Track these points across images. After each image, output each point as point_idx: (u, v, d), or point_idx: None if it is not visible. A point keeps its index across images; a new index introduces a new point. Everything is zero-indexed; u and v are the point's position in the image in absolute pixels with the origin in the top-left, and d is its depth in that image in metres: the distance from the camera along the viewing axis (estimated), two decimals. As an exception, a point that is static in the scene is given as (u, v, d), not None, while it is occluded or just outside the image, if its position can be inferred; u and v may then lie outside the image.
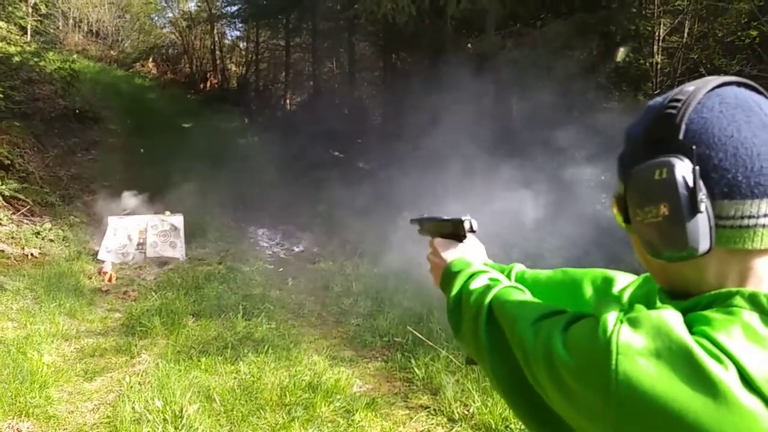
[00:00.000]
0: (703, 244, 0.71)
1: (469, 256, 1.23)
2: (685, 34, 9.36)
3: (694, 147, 0.72)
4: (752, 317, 0.68)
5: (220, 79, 23.62)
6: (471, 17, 9.86)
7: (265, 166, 13.27)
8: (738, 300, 0.70)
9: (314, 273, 7.27)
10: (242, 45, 24.99)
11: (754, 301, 0.69)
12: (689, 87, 0.77)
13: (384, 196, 10.65)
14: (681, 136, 0.74)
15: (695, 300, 0.75)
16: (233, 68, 25.07)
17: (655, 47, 9.44)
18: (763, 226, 0.71)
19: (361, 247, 8.14)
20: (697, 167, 0.71)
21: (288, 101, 20.36)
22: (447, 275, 1.18)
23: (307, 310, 5.99)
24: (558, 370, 0.75)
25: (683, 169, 0.71)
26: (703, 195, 0.71)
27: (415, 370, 4.44)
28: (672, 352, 0.66)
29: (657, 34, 9.39)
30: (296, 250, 8.50)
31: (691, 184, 0.71)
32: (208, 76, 23.72)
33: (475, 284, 1.06)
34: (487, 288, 1.02)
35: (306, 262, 7.85)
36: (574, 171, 9.20)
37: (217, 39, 23.81)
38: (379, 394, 4.18)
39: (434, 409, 3.95)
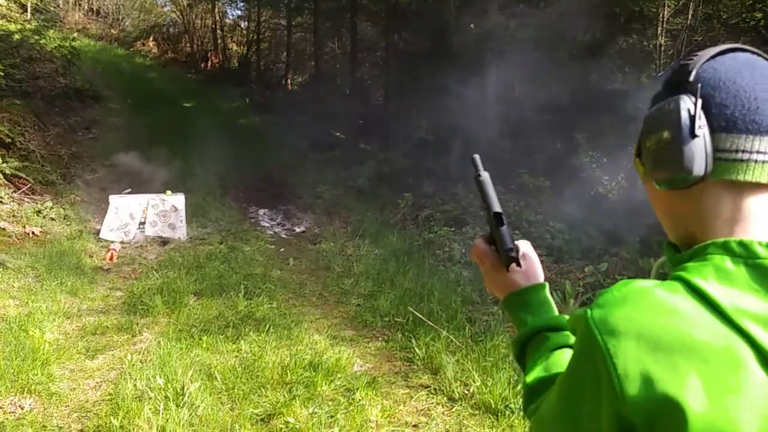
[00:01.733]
0: (698, 168, 0.80)
1: (532, 278, 1.16)
2: (690, 16, 9.26)
3: (699, 85, 0.82)
4: (723, 260, 0.77)
5: (221, 58, 23.47)
6: (474, -3, 9.75)
7: (266, 146, 13.25)
8: (711, 248, 0.79)
9: (315, 253, 7.28)
10: (243, 24, 24.81)
11: (725, 247, 0.78)
12: (708, 48, 0.87)
13: (385, 177, 10.64)
14: (691, 79, 0.83)
15: (683, 254, 0.85)
16: (234, 48, 24.89)
17: (659, 29, 9.35)
18: (755, 161, 0.80)
19: (362, 228, 8.15)
20: (700, 100, 0.81)
21: (289, 81, 20.25)
22: (508, 307, 1.16)
23: (308, 290, 6.00)
24: (563, 387, 0.85)
25: (687, 103, 0.81)
26: (702, 122, 0.80)
27: (416, 349, 4.45)
28: (637, 300, 0.76)
29: (661, 15, 9.29)
30: (297, 230, 8.50)
31: (692, 113, 0.80)
32: (209, 55, 23.56)
33: (535, 352, 1.08)
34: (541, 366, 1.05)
35: (307, 243, 7.86)
36: (575, 153, 9.18)
37: (218, 18, 23.62)
38: (379, 373, 4.20)
39: (434, 389, 3.97)
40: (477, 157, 1.24)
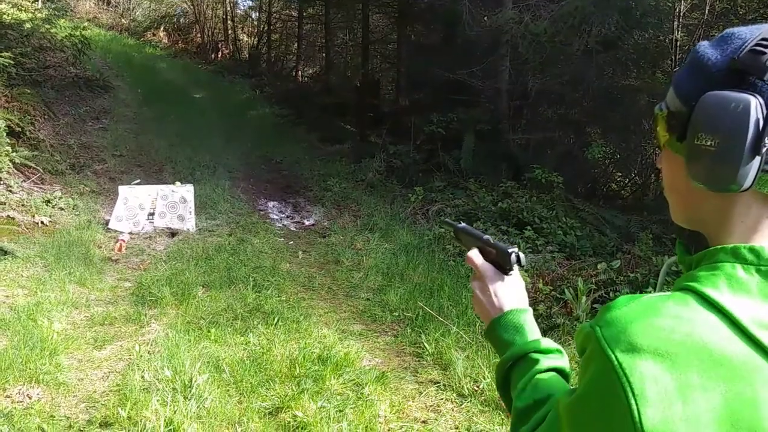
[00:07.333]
0: (747, 183, 0.75)
1: (521, 302, 1.12)
2: (706, 11, 9.16)
3: None
4: (735, 268, 0.74)
5: (232, 49, 23.45)
6: (488, -11, 9.66)
7: (275, 138, 13.23)
8: (721, 255, 0.76)
9: (325, 247, 7.24)
10: (254, 15, 24.83)
11: (735, 253, 0.75)
12: None
13: (395, 170, 10.59)
14: (766, 77, 0.74)
15: (694, 257, 0.82)
16: (245, 39, 24.89)
17: (675, 23, 9.25)
18: None
19: (371, 221, 8.10)
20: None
21: (300, 73, 20.22)
22: (497, 329, 1.10)
23: (318, 283, 5.97)
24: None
25: (759, 111, 0.73)
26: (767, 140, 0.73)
27: (425, 345, 4.42)
28: (648, 315, 0.71)
29: (677, 10, 9.19)
30: (307, 223, 8.46)
31: (761, 126, 0.73)
32: (219, 46, 23.56)
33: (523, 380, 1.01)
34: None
35: (316, 236, 7.82)
36: (588, 148, 9.09)
37: (229, 8, 23.61)
38: (388, 368, 4.16)
39: (444, 384, 3.94)
40: (448, 220, 1.30)
